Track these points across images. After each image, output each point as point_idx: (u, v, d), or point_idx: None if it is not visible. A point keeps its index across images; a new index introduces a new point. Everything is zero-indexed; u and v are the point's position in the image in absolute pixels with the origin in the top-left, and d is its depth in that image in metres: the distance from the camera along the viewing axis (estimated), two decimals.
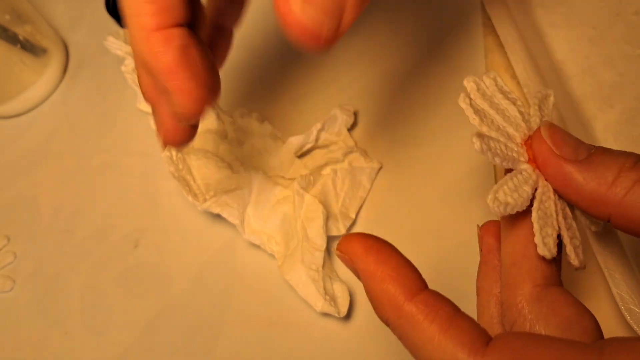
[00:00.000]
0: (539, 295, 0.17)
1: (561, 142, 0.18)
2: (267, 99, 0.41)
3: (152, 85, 0.22)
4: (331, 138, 0.36)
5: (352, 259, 0.19)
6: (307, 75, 0.41)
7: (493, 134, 0.19)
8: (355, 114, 0.37)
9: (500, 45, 0.35)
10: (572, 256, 0.19)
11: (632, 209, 0.16)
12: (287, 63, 0.42)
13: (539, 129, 0.19)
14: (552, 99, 0.21)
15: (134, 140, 0.43)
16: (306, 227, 0.32)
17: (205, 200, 0.35)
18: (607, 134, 0.23)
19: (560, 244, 0.19)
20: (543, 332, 0.17)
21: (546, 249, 0.17)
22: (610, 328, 0.27)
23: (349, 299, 0.31)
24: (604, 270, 0.24)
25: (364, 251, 0.19)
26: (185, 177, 0.36)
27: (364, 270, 0.18)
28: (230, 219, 0.34)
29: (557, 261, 0.19)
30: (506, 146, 0.19)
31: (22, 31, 0.45)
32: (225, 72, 0.36)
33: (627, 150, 0.17)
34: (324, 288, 0.31)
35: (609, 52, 0.24)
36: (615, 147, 0.23)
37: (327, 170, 0.35)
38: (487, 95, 0.21)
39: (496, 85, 0.21)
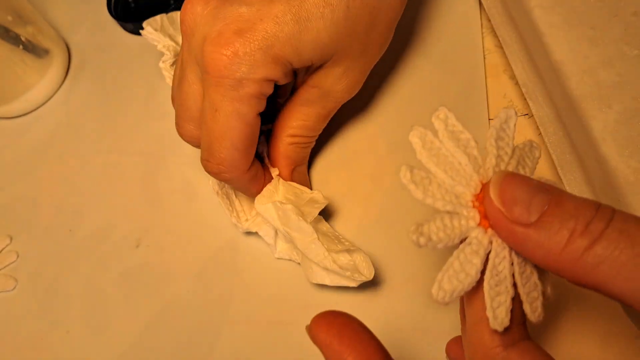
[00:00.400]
0: (496, 357, 0.18)
1: (511, 202, 0.17)
2: None
3: None
4: None
5: (317, 346, 0.20)
6: None
7: (439, 204, 0.19)
8: None
9: (499, 46, 0.35)
10: (529, 313, 0.18)
11: (583, 275, 0.16)
12: None
13: (488, 185, 0.18)
14: (513, 120, 0.20)
15: (136, 140, 0.43)
16: (289, 230, 0.31)
17: (247, 220, 0.35)
18: (605, 133, 0.23)
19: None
20: None
21: (497, 323, 0.17)
22: (610, 322, 0.27)
23: (369, 261, 0.30)
24: None
25: (327, 341, 0.19)
26: (230, 194, 0.36)
27: (327, 357, 0.19)
28: (266, 238, 0.34)
29: (519, 314, 0.19)
30: (451, 218, 0.18)
31: (24, 32, 0.45)
32: None
33: (583, 199, 0.17)
34: (342, 267, 0.30)
35: (607, 52, 0.24)
36: (612, 147, 0.23)
37: None
38: (434, 148, 0.20)
39: (446, 127, 0.20)
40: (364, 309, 0.32)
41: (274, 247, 0.34)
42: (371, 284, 0.33)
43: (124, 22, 0.48)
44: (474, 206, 0.19)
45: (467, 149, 0.20)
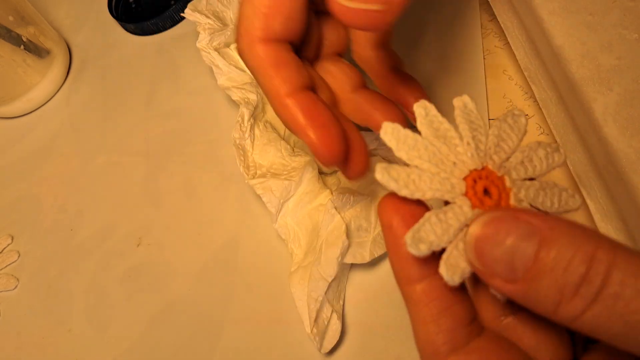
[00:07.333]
0: None
1: (492, 263, 0.15)
2: None
3: None
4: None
5: (380, 225, 0.19)
6: None
7: (428, 195, 0.18)
8: None
9: (499, 47, 0.35)
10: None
11: (582, 332, 0.15)
12: None
13: (476, 172, 0.18)
14: (470, 103, 0.19)
15: (136, 140, 0.44)
16: (323, 251, 0.31)
17: (254, 176, 0.34)
18: (606, 115, 0.23)
19: None
20: None
21: (445, 269, 0.17)
22: None
23: (336, 340, 0.30)
24: None
25: (389, 224, 0.18)
26: (245, 146, 0.36)
27: (386, 241, 0.19)
28: (268, 205, 0.33)
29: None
30: (445, 212, 0.17)
31: (25, 32, 0.45)
32: None
33: (578, 241, 0.14)
34: (320, 317, 0.30)
35: (606, 37, 0.24)
36: (614, 128, 0.23)
37: (369, 191, 0.33)
38: (410, 143, 0.19)
39: (426, 116, 0.19)
40: (365, 306, 0.32)
41: (275, 216, 0.33)
42: (373, 283, 0.32)
43: (125, 23, 0.48)
44: (465, 194, 0.18)
45: (447, 139, 0.19)
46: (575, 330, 0.15)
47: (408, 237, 0.17)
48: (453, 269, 0.17)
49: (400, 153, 0.18)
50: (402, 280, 0.18)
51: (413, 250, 0.17)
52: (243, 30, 0.24)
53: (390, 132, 0.18)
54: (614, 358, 0.17)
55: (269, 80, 0.23)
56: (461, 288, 0.18)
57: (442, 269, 0.17)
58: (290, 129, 0.24)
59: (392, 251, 0.18)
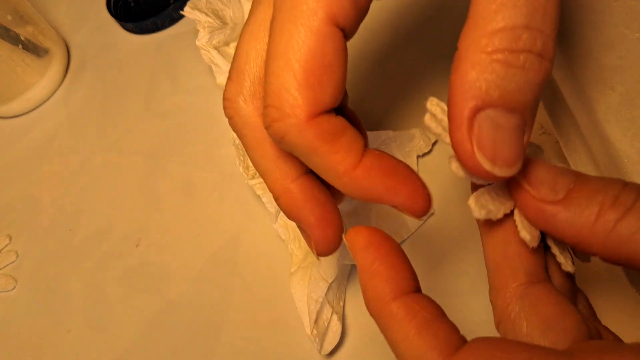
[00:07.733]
0: (522, 294, 0.18)
1: (537, 182, 0.17)
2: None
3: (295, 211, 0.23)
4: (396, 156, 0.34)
5: (352, 251, 0.19)
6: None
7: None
8: (434, 144, 0.35)
9: None
10: (562, 261, 0.18)
11: (617, 249, 0.15)
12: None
13: None
14: None
15: (135, 140, 0.43)
16: None
17: (254, 176, 0.34)
18: (608, 115, 0.23)
19: (544, 241, 0.19)
20: (525, 331, 0.17)
21: (527, 232, 0.18)
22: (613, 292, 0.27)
23: (336, 342, 0.30)
24: None
25: (364, 246, 0.19)
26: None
27: (360, 263, 0.19)
28: (267, 205, 0.33)
29: (541, 257, 0.19)
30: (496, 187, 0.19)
31: (24, 32, 0.45)
32: None
33: (609, 178, 0.17)
34: (321, 318, 0.30)
35: (608, 36, 0.24)
36: (616, 129, 0.23)
37: None
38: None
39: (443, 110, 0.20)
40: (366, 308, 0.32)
41: (274, 216, 0.33)
42: None
43: (124, 22, 0.48)
44: None
45: None
46: (605, 253, 0.16)
47: (454, 161, 0.18)
48: (481, 205, 0.18)
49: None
50: (376, 301, 0.18)
51: (457, 168, 0.18)
52: (288, 108, 0.19)
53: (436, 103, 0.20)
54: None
55: (326, 159, 0.19)
56: (438, 308, 0.18)
57: (472, 202, 0.18)
58: (362, 197, 0.20)
59: (365, 271, 0.18)
